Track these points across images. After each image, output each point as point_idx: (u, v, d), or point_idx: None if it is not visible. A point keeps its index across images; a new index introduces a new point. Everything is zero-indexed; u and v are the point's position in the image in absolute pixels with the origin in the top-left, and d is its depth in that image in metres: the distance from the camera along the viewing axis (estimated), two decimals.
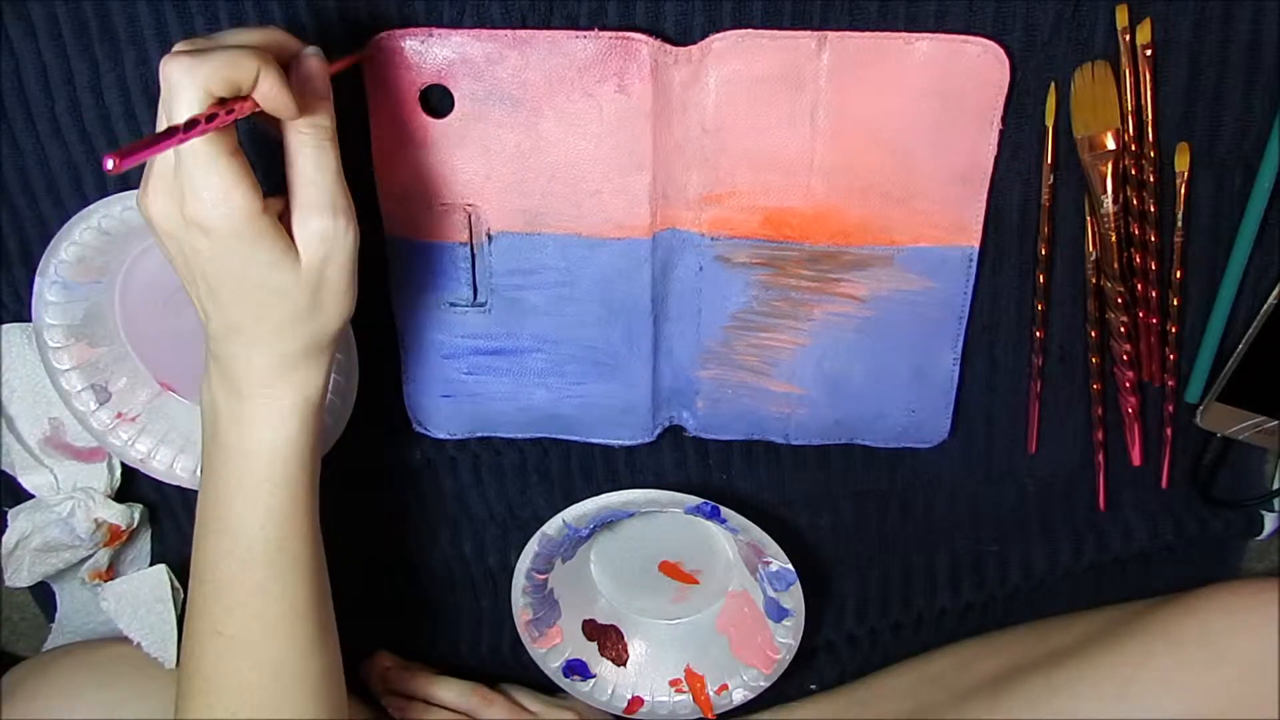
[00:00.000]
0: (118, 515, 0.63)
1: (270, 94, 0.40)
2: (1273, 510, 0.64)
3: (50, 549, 0.62)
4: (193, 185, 0.40)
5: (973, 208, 0.53)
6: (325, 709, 0.50)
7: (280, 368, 0.46)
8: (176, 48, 0.40)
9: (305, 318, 0.45)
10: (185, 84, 0.38)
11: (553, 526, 0.59)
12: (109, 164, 0.35)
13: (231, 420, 0.47)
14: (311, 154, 0.43)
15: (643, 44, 0.49)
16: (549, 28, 0.50)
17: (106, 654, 0.62)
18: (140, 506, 0.64)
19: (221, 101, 0.39)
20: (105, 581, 0.65)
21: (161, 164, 0.41)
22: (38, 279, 0.55)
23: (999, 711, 0.61)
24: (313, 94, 0.43)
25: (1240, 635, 0.57)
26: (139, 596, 0.63)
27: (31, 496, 0.63)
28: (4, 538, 0.62)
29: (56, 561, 0.63)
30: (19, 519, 0.62)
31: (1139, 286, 0.55)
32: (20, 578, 0.63)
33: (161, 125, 0.41)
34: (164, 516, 0.66)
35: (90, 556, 0.64)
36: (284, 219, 0.43)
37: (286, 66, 0.42)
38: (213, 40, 0.41)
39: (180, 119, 0.38)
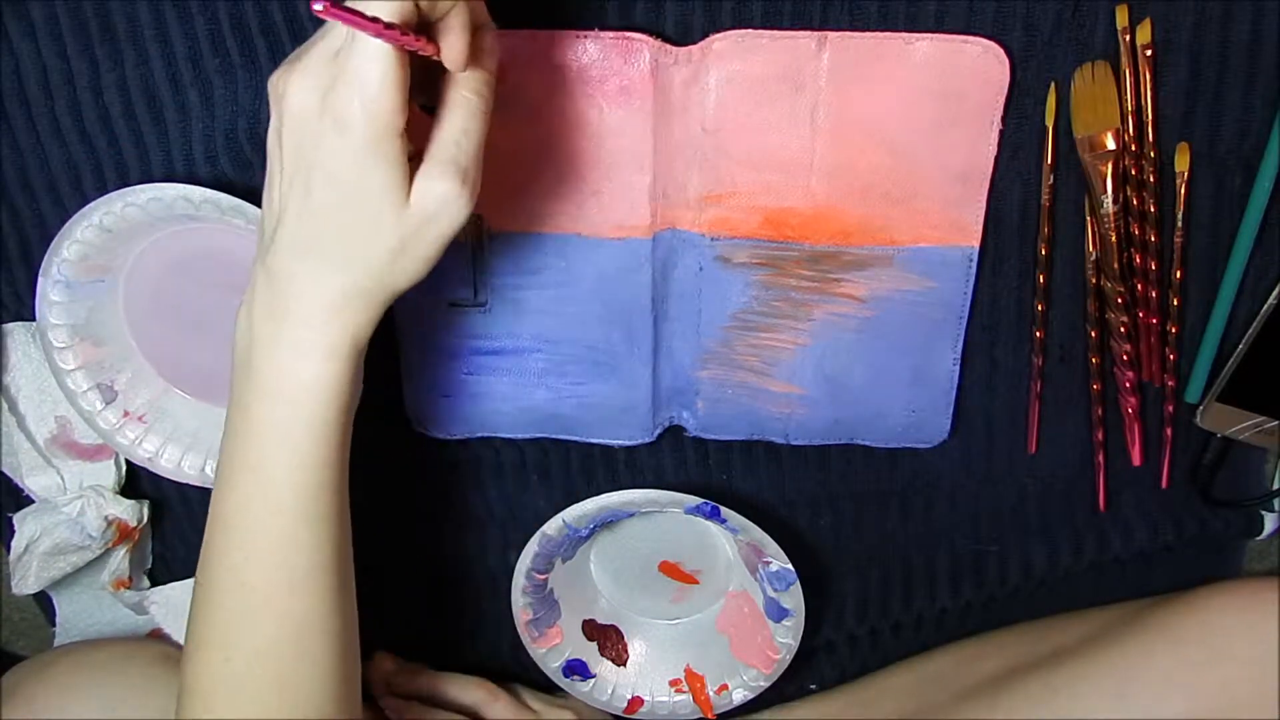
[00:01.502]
0: (128, 511, 0.63)
1: (455, 29, 0.39)
2: (1273, 510, 0.64)
3: (59, 552, 0.62)
4: (356, 77, 0.38)
5: (973, 208, 0.53)
6: (344, 666, 0.48)
7: (338, 302, 0.43)
8: None
9: (385, 258, 0.42)
10: None
11: (553, 526, 0.59)
12: (318, 5, 0.34)
13: (270, 350, 0.43)
14: (463, 115, 0.41)
15: (643, 44, 0.49)
16: (549, 28, 0.50)
17: (106, 654, 0.62)
18: (147, 502, 0.64)
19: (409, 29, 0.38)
20: (127, 589, 0.65)
21: (324, 47, 0.39)
22: (41, 278, 0.55)
23: (999, 711, 0.61)
24: (485, 65, 0.42)
25: (1240, 635, 0.57)
26: (189, 603, 0.63)
27: (31, 501, 0.63)
28: (12, 542, 0.62)
29: (64, 565, 0.63)
30: (26, 522, 0.61)
31: (1139, 286, 0.55)
32: (27, 584, 0.63)
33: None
34: (164, 516, 0.66)
35: (97, 560, 0.64)
36: (413, 164, 0.41)
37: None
38: None
39: (381, 12, 0.37)
